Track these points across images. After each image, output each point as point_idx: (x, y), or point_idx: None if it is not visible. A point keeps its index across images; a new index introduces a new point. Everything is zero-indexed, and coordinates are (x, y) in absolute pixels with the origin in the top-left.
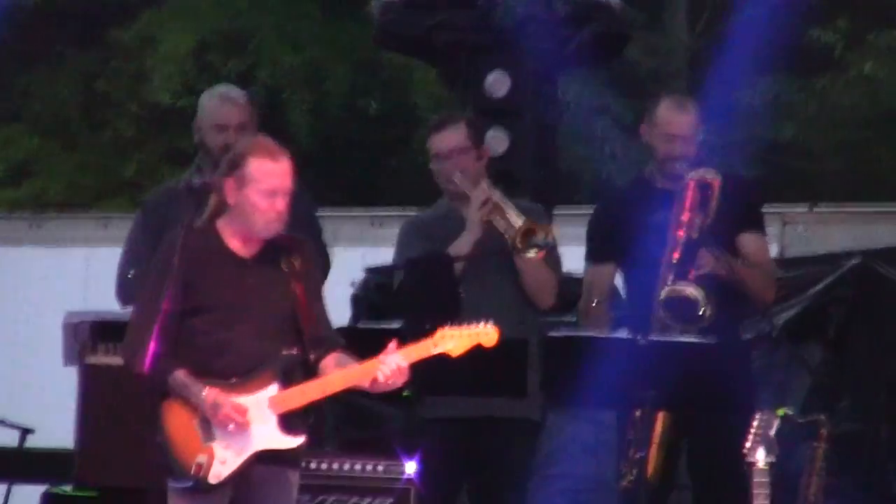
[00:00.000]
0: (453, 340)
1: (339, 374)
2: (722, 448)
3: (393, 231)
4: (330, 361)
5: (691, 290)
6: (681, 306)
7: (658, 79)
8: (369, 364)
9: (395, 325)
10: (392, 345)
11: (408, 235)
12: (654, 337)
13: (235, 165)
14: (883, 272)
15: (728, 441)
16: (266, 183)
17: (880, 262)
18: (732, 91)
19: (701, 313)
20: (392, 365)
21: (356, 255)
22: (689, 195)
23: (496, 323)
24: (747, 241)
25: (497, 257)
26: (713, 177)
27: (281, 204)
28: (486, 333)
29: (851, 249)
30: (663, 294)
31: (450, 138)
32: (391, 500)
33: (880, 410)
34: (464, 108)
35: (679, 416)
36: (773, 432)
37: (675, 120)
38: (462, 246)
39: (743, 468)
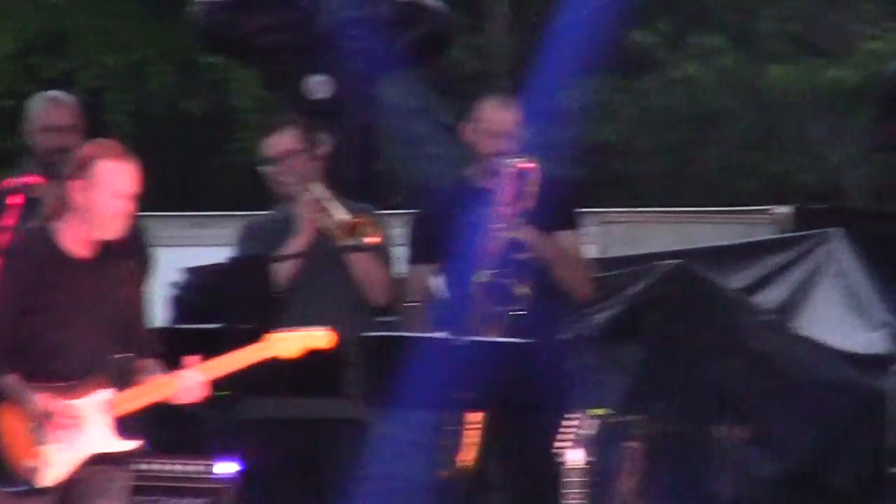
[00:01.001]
0: (286, 343)
1: (165, 380)
2: (538, 448)
3: (213, 232)
4: (148, 366)
5: (509, 281)
6: (496, 289)
7: (480, 80)
8: (169, 378)
9: (215, 326)
10: (193, 358)
11: (242, 238)
12: (471, 337)
13: (82, 167)
14: (701, 273)
15: (544, 441)
16: (114, 185)
17: (699, 264)
18: (554, 92)
19: (515, 298)
20: (187, 381)
21: (176, 256)
22: (508, 184)
23: (326, 322)
24: (563, 238)
25: (328, 257)
26: (530, 163)
27: (127, 206)
28: (319, 337)
29: (670, 250)
30: (481, 278)
31: (282, 141)
32: (209, 500)
33: (696, 411)
34: (286, 110)
35: (495, 416)
36: (589, 432)
37: (498, 117)
38: (293, 246)
39: (558, 468)
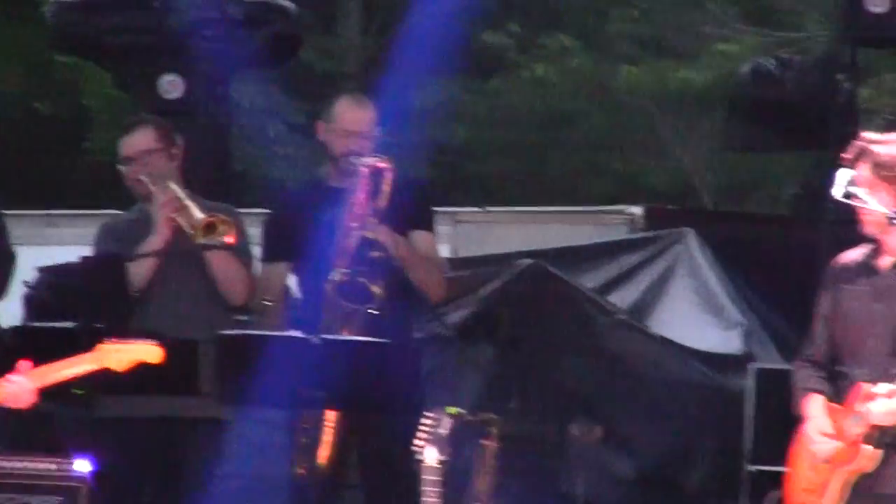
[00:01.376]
0: (116, 355)
1: None
2: (392, 447)
3: (66, 231)
4: None
5: (362, 279)
6: (350, 287)
7: (331, 80)
8: None
9: (67, 325)
10: (25, 364)
11: (100, 237)
12: (325, 336)
13: None
14: (554, 273)
15: (398, 440)
16: None
17: (552, 263)
18: (405, 93)
19: (370, 296)
20: (15, 387)
21: (30, 255)
22: (363, 183)
23: (182, 321)
24: (417, 239)
25: (186, 256)
26: (384, 163)
27: None
28: (149, 351)
29: (523, 250)
30: (336, 276)
31: (138, 141)
32: (61, 498)
33: (550, 411)
34: (138, 110)
35: (350, 415)
36: (444, 431)
37: (352, 116)
38: (150, 245)
39: (413, 467)
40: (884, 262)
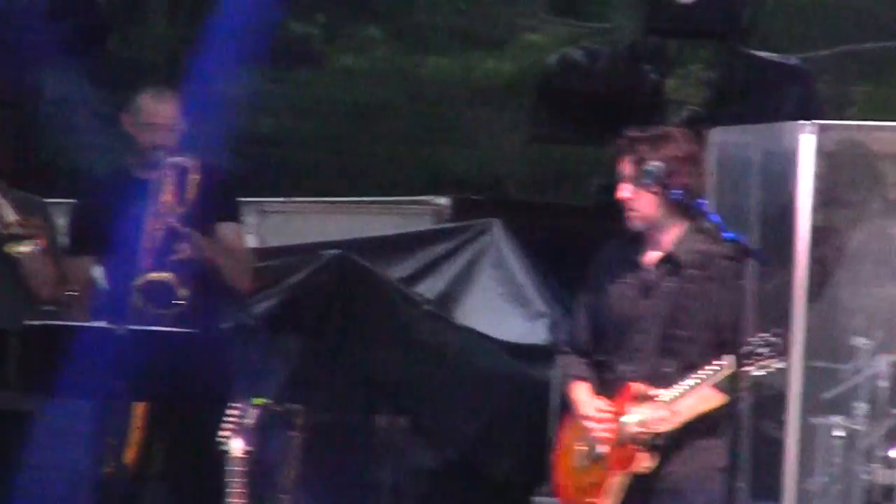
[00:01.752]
0: None
1: None
2: (198, 437)
3: None
4: None
5: (167, 276)
6: (157, 292)
7: (138, 70)
8: None
9: None
10: None
11: None
12: (131, 326)
13: None
14: (361, 263)
15: (204, 430)
16: None
17: (359, 254)
18: (212, 83)
19: (176, 299)
20: None
21: None
22: (167, 181)
23: None
24: (224, 230)
25: None
26: (190, 162)
27: None
28: None
29: (330, 240)
30: (139, 280)
31: None
32: None
33: (356, 401)
34: None
35: (158, 405)
36: (250, 422)
37: (157, 109)
38: None
39: (219, 457)
40: (650, 257)
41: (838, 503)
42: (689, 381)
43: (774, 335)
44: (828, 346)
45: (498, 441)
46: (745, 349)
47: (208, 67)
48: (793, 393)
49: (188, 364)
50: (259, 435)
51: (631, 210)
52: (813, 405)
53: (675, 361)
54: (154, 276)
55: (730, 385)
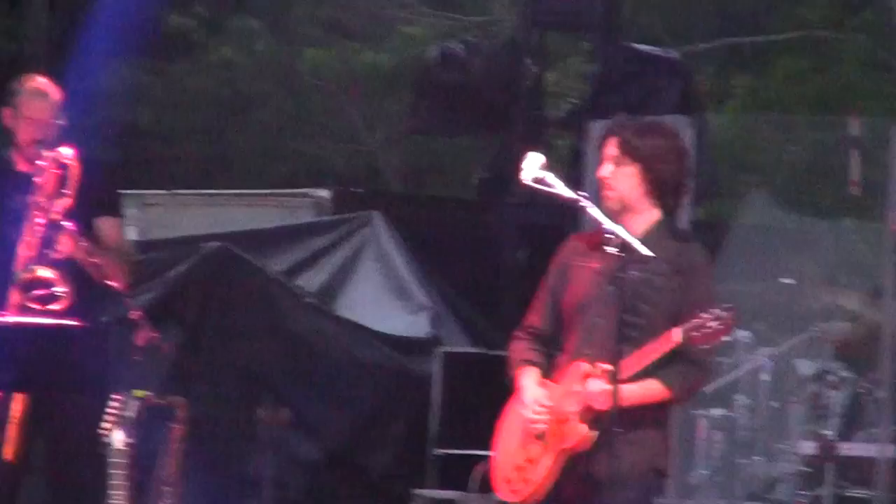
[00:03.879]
0: None
1: None
2: (79, 430)
3: None
4: None
5: (48, 273)
6: (38, 288)
7: (17, 63)
8: None
9: None
10: None
11: None
12: (10, 318)
13: None
14: (241, 256)
15: (85, 423)
16: None
17: (239, 246)
18: (91, 75)
19: (58, 295)
20: None
21: None
22: (47, 177)
23: None
24: (104, 224)
25: None
26: (69, 157)
27: None
28: None
29: (211, 233)
30: (20, 276)
31: None
32: None
33: (236, 394)
34: None
35: (35, 398)
36: (131, 414)
37: (35, 104)
38: None
39: (100, 450)
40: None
41: (720, 495)
42: (636, 385)
43: (724, 309)
44: None
45: (379, 434)
46: (695, 322)
47: (87, 59)
48: None
49: (68, 356)
50: (140, 427)
51: (609, 189)
52: (694, 398)
53: (629, 348)
54: (35, 272)
55: (677, 383)
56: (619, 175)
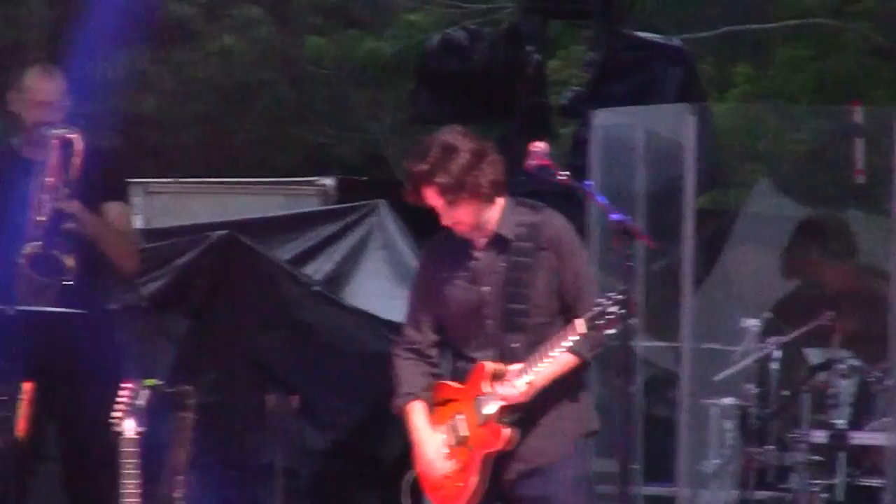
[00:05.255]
0: None
1: None
2: (89, 419)
3: None
4: None
5: (55, 248)
6: (45, 262)
7: (16, 50)
8: None
9: None
10: None
11: None
12: (20, 307)
13: None
14: (248, 244)
15: (95, 411)
16: None
17: (246, 235)
18: (92, 63)
19: (63, 269)
20: None
21: None
22: (54, 155)
23: None
24: (110, 210)
25: None
26: (73, 134)
27: None
28: None
29: (217, 221)
30: (28, 250)
31: None
32: None
33: (245, 382)
34: None
35: (47, 386)
36: (141, 403)
37: (43, 86)
38: None
39: (111, 438)
40: (480, 242)
41: (732, 485)
42: (544, 364)
43: (620, 293)
44: (718, 328)
45: (386, 423)
46: (596, 310)
47: (88, 47)
48: (684, 375)
49: (77, 344)
50: (149, 416)
51: (461, 227)
52: (704, 387)
53: (521, 335)
54: (43, 245)
55: (584, 347)
56: (461, 213)
